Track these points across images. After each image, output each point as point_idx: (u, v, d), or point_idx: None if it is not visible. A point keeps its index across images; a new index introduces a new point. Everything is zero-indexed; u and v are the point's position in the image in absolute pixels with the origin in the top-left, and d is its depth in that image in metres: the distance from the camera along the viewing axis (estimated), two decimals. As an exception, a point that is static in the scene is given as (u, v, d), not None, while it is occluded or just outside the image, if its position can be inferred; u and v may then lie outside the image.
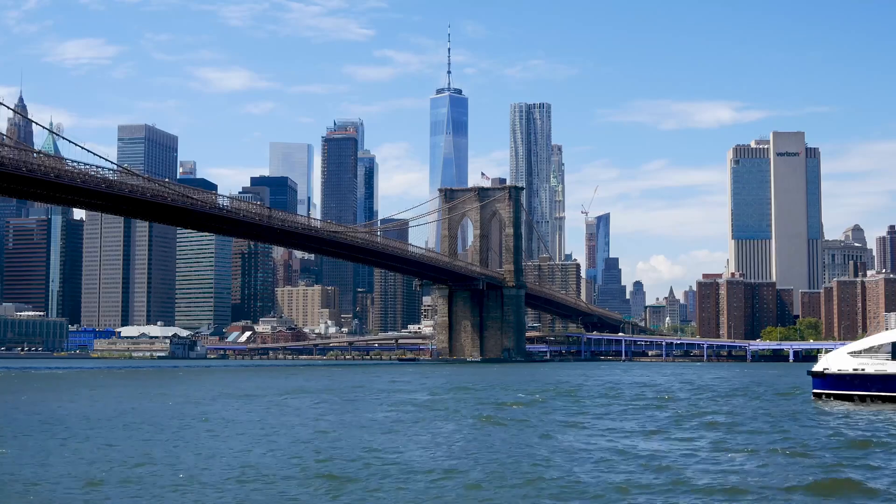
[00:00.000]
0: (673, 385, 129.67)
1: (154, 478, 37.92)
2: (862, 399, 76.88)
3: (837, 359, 79.49)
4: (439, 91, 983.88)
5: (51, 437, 52.77)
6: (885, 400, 75.63)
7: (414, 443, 50.63)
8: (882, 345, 76.36)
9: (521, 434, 55.78)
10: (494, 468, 40.82)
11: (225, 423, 63.52)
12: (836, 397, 78.85)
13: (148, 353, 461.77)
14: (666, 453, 46.43)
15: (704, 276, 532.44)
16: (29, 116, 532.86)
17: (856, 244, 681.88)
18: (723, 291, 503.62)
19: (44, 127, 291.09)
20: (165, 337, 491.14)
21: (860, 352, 77.74)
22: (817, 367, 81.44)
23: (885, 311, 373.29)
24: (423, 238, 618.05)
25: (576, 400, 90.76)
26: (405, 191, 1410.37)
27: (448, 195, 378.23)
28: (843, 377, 78.06)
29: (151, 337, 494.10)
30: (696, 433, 56.65)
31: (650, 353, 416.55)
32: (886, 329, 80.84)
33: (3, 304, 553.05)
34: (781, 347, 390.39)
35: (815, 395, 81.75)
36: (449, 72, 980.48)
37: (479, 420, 66.05)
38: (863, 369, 76.73)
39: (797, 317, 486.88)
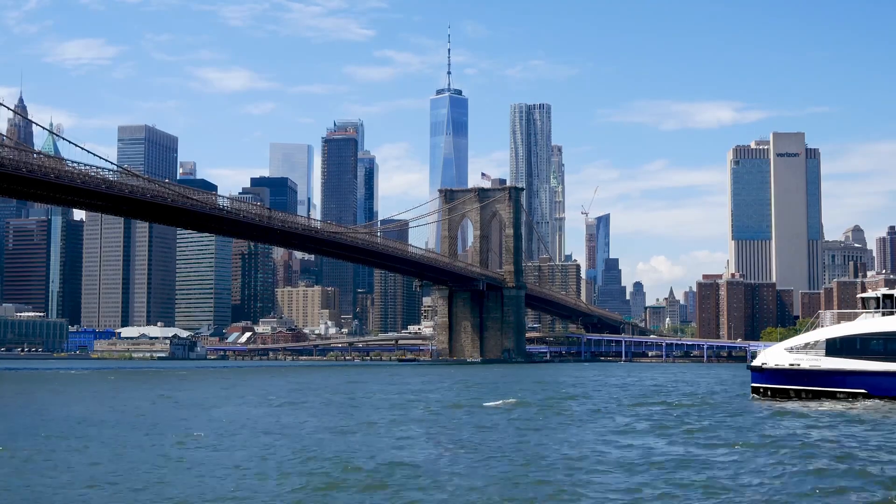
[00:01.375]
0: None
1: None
2: (797, 393, 79.64)
3: (775, 354, 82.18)
4: (439, 92, 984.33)
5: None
6: (817, 395, 78.59)
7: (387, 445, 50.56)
8: (818, 341, 78.97)
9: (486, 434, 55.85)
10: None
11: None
12: (773, 391, 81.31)
13: (148, 354, 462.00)
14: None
15: (704, 276, 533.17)
16: (29, 117, 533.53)
17: (856, 245, 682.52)
18: (723, 292, 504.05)
19: (44, 127, 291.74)
20: (165, 338, 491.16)
21: (796, 348, 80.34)
22: (756, 362, 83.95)
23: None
24: (423, 239, 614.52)
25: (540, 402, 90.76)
26: (405, 191, 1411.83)
27: (448, 196, 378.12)
28: (779, 372, 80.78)
29: (151, 338, 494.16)
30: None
31: (650, 353, 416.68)
32: (822, 326, 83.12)
33: (3, 304, 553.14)
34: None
35: (754, 388, 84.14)
36: (449, 72, 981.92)
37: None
38: (798, 364, 79.44)
39: (797, 317, 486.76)
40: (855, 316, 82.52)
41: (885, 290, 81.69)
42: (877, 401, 75.73)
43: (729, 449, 47.49)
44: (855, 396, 77.03)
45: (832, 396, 77.94)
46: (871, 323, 78.56)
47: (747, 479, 38.25)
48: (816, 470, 40.07)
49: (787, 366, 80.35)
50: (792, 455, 44.75)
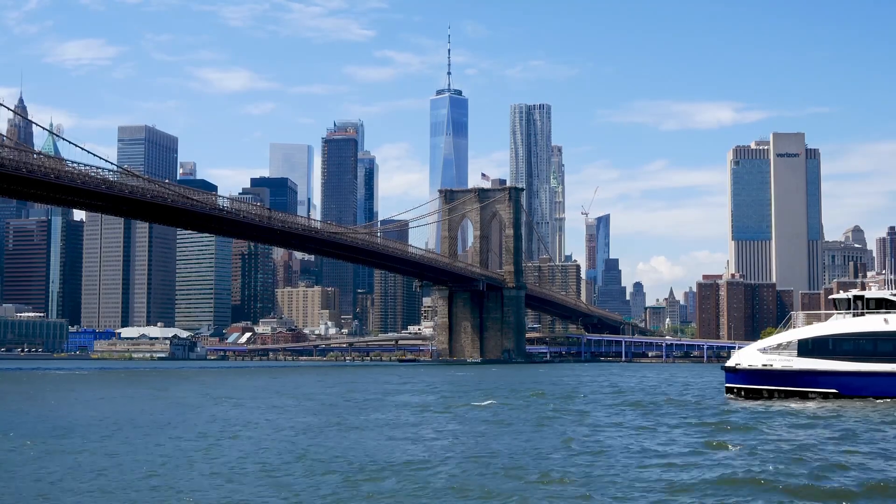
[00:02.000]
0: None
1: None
2: (770, 393, 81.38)
3: (748, 355, 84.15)
4: (439, 92, 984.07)
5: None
6: (789, 394, 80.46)
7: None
8: (790, 342, 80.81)
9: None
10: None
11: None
12: (747, 391, 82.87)
13: (148, 355, 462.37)
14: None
15: (704, 276, 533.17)
16: (29, 117, 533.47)
17: (856, 245, 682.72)
18: (723, 292, 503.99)
19: (44, 128, 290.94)
20: (165, 338, 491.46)
21: (769, 348, 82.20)
22: (730, 363, 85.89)
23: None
24: (423, 239, 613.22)
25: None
26: (405, 191, 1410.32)
27: (448, 196, 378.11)
28: (752, 372, 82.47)
29: (151, 338, 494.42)
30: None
31: (650, 354, 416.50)
32: (795, 327, 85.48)
33: (3, 304, 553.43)
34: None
35: (728, 388, 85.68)
36: (449, 73, 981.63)
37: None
38: (771, 365, 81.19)
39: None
40: (827, 317, 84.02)
41: (856, 292, 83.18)
42: (848, 400, 77.38)
43: (685, 447, 48.68)
44: (826, 396, 78.57)
45: (804, 396, 79.54)
46: (842, 324, 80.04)
47: (693, 475, 38.89)
48: (775, 469, 40.34)
49: (760, 366, 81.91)
50: (751, 453, 45.44)
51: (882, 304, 79.70)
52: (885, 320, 78.24)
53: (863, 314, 79.69)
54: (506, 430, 58.00)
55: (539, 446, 48.90)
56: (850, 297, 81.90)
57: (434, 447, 49.34)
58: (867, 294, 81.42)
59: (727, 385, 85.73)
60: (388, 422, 64.85)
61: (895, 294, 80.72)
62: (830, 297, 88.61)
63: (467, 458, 44.18)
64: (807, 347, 79.63)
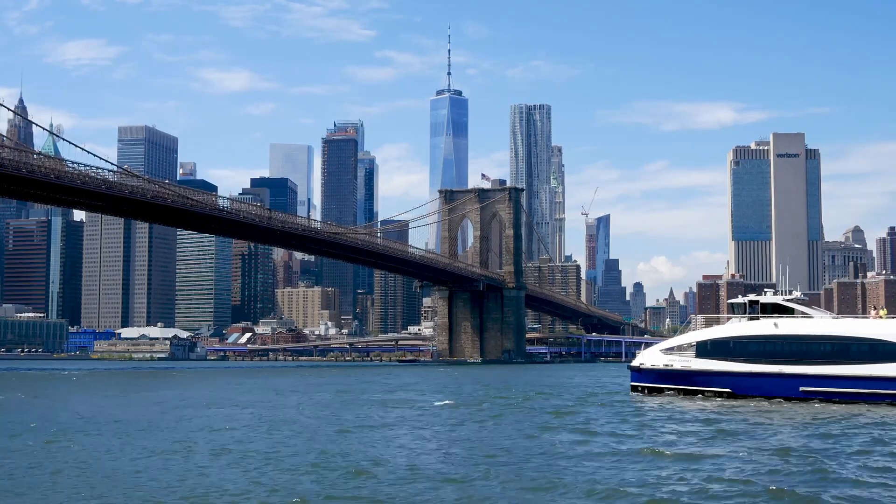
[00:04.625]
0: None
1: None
2: (670, 391, 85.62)
3: (651, 355, 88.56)
4: (439, 92, 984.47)
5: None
6: (687, 392, 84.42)
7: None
8: (689, 343, 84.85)
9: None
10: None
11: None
12: (650, 390, 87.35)
13: (148, 355, 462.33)
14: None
15: (705, 277, 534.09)
16: (29, 118, 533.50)
17: (856, 245, 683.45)
18: (723, 292, 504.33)
19: (44, 128, 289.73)
20: (165, 338, 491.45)
21: (671, 349, 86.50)
22: (635, 363, 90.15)
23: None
24: (423, 239, 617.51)
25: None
26: (405, 192, 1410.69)
27: (448, 196, 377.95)
28: (654, 372, 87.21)
29: (151, 338, 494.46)
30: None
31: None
32: (694, 329, 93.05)
33: (3, 305, 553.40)
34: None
35: (633, 387, 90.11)
36: (449, 73, 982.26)
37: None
38: (671, 365, 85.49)
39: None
40: (725, 321, 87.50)
41: (752, 297, 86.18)
42: (739, 399, 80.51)
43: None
44: (720, 395, 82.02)
45: (701, 394, 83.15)
46: (737, 327, 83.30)
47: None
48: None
49: (661, 366, 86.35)
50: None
51: (775, 309, 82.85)
52: (776, 324, 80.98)
53: (757, 318, 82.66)
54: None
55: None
56: (746, 301, 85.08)
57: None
58: (762, 299, 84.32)
59: (632, 384, 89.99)
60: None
61: (787, 299, 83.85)
62: (728, 301, 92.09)
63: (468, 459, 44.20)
64: (704, 349, 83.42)
